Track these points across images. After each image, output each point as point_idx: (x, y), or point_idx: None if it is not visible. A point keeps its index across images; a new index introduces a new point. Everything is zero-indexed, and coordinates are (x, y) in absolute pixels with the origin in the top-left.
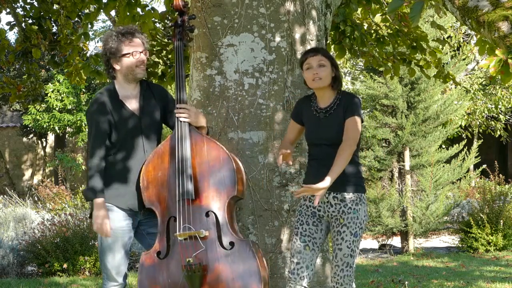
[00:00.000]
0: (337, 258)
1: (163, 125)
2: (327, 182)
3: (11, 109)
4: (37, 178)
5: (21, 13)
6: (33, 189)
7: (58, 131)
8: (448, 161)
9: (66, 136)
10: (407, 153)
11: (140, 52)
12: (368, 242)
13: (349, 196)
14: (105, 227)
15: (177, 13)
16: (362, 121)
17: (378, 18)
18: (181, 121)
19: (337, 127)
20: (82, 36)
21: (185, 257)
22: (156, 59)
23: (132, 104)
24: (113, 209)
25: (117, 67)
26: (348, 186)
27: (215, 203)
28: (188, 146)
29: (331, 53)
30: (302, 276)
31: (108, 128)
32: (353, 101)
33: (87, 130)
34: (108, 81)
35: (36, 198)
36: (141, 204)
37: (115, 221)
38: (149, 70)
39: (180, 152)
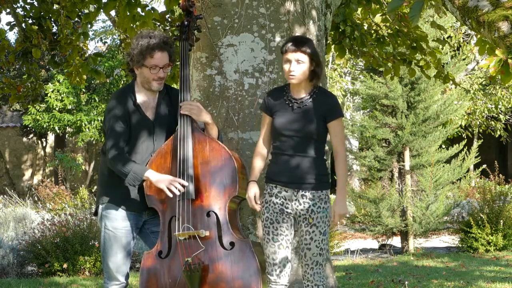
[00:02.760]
0: (306, 257)
1: None
2: (344, 204)
3: (11, 109)
4: (37, 178)
5: (21, 13)
6: (33, 189)
7: (58, 131)
8: (448, 161)
9: (66, 136)
10: (407, 153)
11: (161, 68)
12: (368, 242)
13: (317, 194)
14: (169, 178)
15: (184, 13)
16: (342, 116)
17: (378, 18)
18: (185, 120)
19: (310, 121)
20: (82, 36)
21: (185, 257)
22: None
23: (148, 110)
24: (118, 209)
25: (136, 71)
26: (315, 184)
27: (216, 203)
28: (190, 145)
29: (331, 53)
30: (281, 276)
31: (115, 122)
32: (335, 101)
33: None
34: (108, 80)
35: (36, 198)
36: (145, 205)
37: (118, 221)
38: None
39: (182, 152)
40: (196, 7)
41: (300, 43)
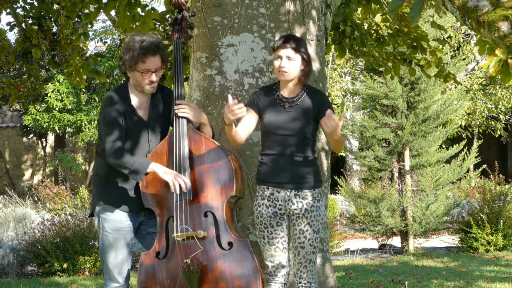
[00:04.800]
0: (299, 256)
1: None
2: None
3: (11, 109)
4: (37, 178)
5: (21, 13)
6: (33, 189)
7: (58, 131)
8: (448, 161)
9: (66, 136)
10: (407, 153)
11: (153, 72)
12: (368, 242)
13: (311, 193)
14: (175, 172)
15: (176, 10)
16: (332, 109)
17: (378, 18)
18: (180, 120)
19: (303, 119)
20: (82, 36)
21: (183, 258)
22: None
23: (142, 110)
24: (115, 210)
25: (129, 74)
26: (308, 183)
27: (214, 203)
28: (186, 145)
29: (331, 53)
30: (280, 276)
31: (118, 116)
32: (325, 97)
33: (100, 129)
34: (108, 81)
35: (36, 198)
36: (142, 206)
37: (116, 222)
38: None
39: (178, 152)
40: (196, 7)
41: (292, 40)
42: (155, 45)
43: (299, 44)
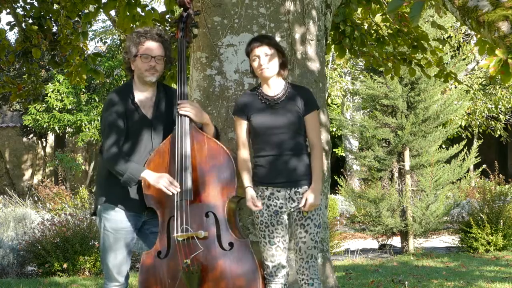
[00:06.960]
0: (301, 251)
1: None
2: (316, 195)
3: (11, 109)
4: (37, 178)
5: (21, 13)
6: (33, 189)
7: (58, 131)
8: (448, 161)
9: (66, 136)
10: (407, 153)
11: (153, 57)
12: (368, 242)
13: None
14: (166, 179)
15: (181, 8)
16: (318, 108)
17: (378, 18)
18: (182, 119)
19: (291, 115)
20: (81, 36)
21: (183, 258)
22: None
23: (146, 108)
24: (117, 210)
25: (132, 67)
26: (307, 180)
27: (215, 203)
28: (188, 145)
29: (331, 53)
30: (280, 276)
31: (117, 118)
32: (310, 94)
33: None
34: (107, 81)
35: (36, 198)
36: (144, 205)
37: (117, 222)
38: None
39: (180, 150)
40: (196, 7)
41: (262, 37)
42: (156, 33)
43: (270, 39)
